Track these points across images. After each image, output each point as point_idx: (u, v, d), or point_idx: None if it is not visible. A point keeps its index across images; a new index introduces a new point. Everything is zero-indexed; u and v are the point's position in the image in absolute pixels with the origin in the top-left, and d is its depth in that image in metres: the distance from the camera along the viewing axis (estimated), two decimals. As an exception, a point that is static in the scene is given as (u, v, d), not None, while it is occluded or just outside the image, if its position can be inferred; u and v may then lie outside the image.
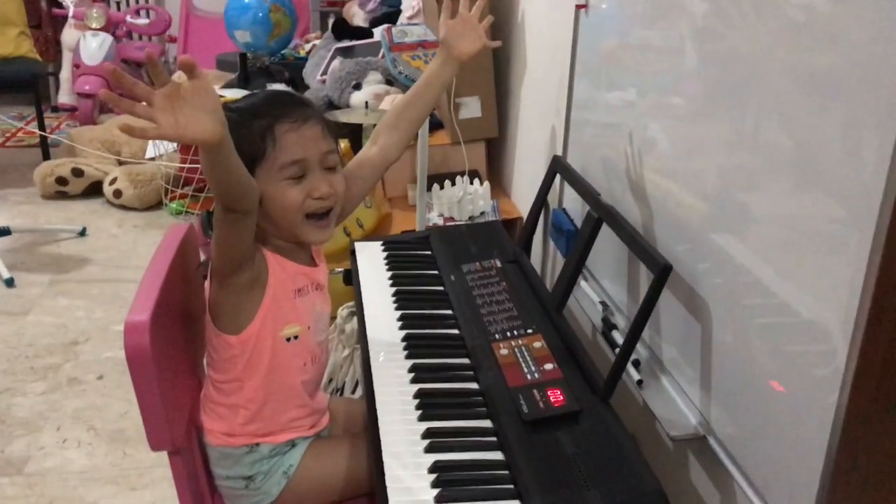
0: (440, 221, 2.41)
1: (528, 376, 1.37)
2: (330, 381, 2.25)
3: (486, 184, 2.41)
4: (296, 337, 1.37)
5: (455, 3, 1.52)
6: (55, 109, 5.48)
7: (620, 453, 1.19)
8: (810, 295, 1.00)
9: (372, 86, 2.98)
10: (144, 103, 0.97)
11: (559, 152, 1.95)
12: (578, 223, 1.81)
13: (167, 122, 0.97)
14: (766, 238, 1.10)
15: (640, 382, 1.39)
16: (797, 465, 1.03)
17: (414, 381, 1.40)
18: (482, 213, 2.40)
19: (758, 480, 1.12)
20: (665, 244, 1.39)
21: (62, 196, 4.09)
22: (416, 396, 1.35)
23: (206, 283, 1.34)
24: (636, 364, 1.43)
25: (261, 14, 3.79)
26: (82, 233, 3.70)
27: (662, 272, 1.24)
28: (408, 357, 1.47)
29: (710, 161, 1.25)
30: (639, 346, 1.48)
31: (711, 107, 1.25)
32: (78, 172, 4.04)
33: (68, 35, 5.22)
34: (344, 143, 2.82)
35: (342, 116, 2.60)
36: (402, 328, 1.57)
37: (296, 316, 1.36)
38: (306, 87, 3.47)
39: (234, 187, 1.13)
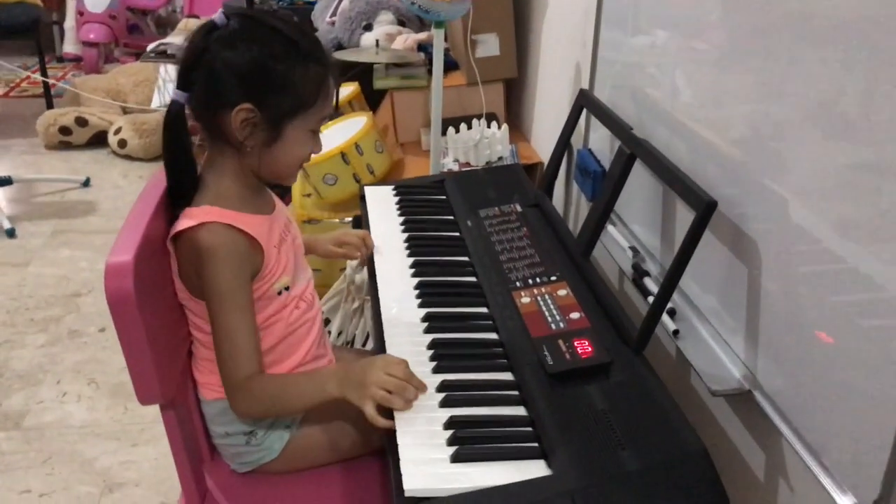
0: (455, 167, 2.27)
1: (553, 326, 1.25)
2: (340, 333, 2.14)
3: (505, 127, 2.27)
4: (287, 288, 1.27)
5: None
6: (60, 60, 5.35)
7: (657, 409, 1.07)
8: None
9: (383, 26, 2.83)
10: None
11: (585, 87, 1.81)
12: (606, 164, 1.68)
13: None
14: (822, 177, 0.97)
15: (675, 332, 1.26)
16: (863, 424, 0.90)
17: (428, 330, 1.28)
18: (500, 159, 2.26)
19: (813, 440, 1.00)
20: (706, 183, 1.25)
21: (66, 146, 3.98)
22: (430, 347, 1.23)
23: (171, 253, 1.22)
24: (671, 313, 1.31)
25: (268, -45, 3.61)
26: (86, 183, 3.59)
27: (706, 210, 1.11)
28: (421, 306, 1.35)
29: (760, 92, 1.11)
30: (674, 294, 1.35)
31: (759, 36, 1.10)
32: (82, 122, 3.92)
33: (72, -19, 5.07)
34: (354, 86, 2.68)
35: (352, 56, 2.46)
36: (414, 275, 1.45)
37: (281, 268, 1.26)
38: (315, 30, 3.32)
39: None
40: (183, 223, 1.17)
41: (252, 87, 1.15)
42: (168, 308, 1.23)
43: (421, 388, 1.11)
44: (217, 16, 1.17)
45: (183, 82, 1.18)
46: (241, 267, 1.18)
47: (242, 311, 1.18)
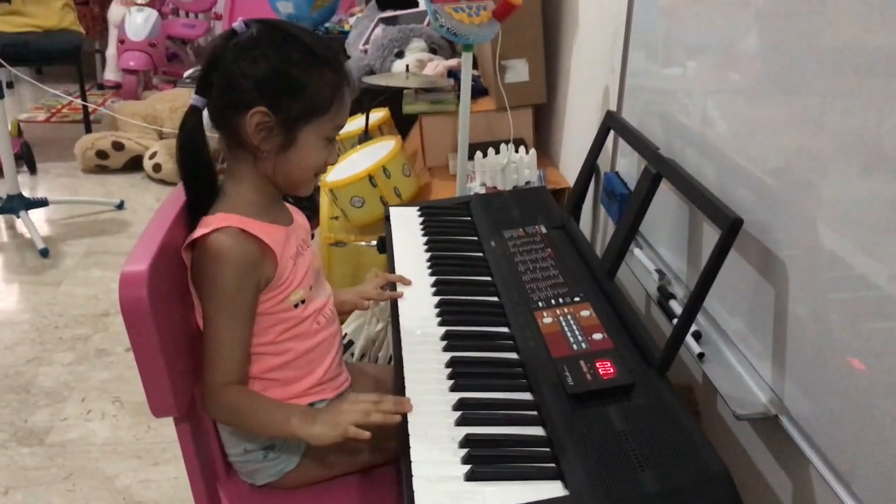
0: (482, 191, 2.26)
1: (575, 346, 1.22)
2: (363, 356, 2.12)
3: (533, 151, 2.25)
4: (303, 301, 1.26)
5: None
6: (101, 87, 5.47)
7: (679, 432, 1.03)
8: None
9: (415, 53, 2.85)
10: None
11: (613, 108, 1.79)
12: (633, 187, 1.66)
13: None
14: (857, 207, 0.94)
15: (700, 356, 1.23)
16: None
17: (447, 348, 1.26)
18: (527, 183, 2.25)
19: (843, 467, 0.96)
20: (734, 205, 1.21)
21: (102, 170, 4.05)
22: (448, 365, 1.21)
23: (187, 262, 1.21)
24: (697, 336, 1.28)
25: (304, -16, 3.66)
26: (120, 206, 3.64)
27: (732, 227, 1.08)
28: (441, 324, 1.34)
29: (788, 115, 1.08)
30: (700, 317, 1.32)
31: (795, 67, 1.08)
32: (118, 146, 3.99)
33: (115, 11, 5.19)
34: (384, 111, 2.69)
35: (382, 81, 2.47)
36: (435, 294, 1.44)
37: (297, 280, 1.25)
38: (348, 58, 3.35)
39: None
40: (198, 231, 1.17)
41: (267, 91, 1.15)
42: (185, 320, 1.23)
43: (398, 404, 1.10)
44: (237, 24, 1.18)
45: (201, 87, 1.19)
46: (248, 275, 1.17)
47: (238, 318, 1.17)
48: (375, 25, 3.25)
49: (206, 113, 1.20)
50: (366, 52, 3.18)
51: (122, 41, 4.94)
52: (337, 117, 1.22)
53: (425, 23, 3.06)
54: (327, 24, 4.04)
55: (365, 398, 1.12)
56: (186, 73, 3.54)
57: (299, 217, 1.34)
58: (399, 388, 1.17)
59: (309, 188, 1.28)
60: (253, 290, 1.19)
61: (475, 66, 2.72)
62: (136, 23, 4.88)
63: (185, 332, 1.22)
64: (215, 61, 1.17)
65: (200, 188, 1.22)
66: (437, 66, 2.67)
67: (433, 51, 2.96)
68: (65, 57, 4.33)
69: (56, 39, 4.28)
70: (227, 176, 1.24)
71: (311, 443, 1.13)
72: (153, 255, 1.08)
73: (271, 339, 1.24)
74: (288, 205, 1.33)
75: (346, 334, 2.09)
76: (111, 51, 5.27)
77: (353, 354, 2.12)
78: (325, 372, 1.31)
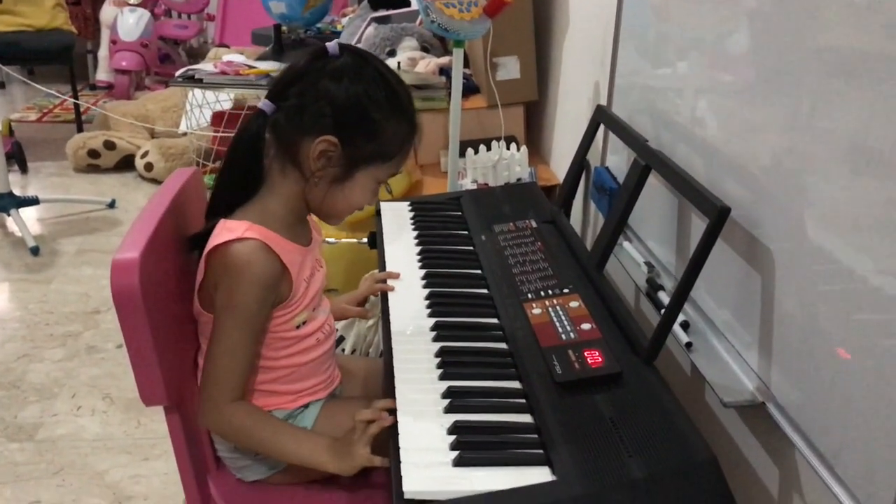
0: (473, 188, 2.27)
1: (563, 336, 1.23)
2: (353, 351, 2.13)
3: (524, 148, 2.26)
4: (304, 322, 1.25)
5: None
6: (93, 88, 5.46)
7: (667, 419, 1.04)
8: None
9: (407, 52, 2.85)
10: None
11: (603, 103, 1.80)
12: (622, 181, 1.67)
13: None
14: (838, 200, 0.95)
15: (689, 345, 1.24)
16: (879, 435, 0.87)
17: (436, 339, 1.27)
18: (518, 180, 2.26)
19: (827, 450, 0.97)
20: (723, 198, 1.22)
21: (94, 169, 4.05)
22: (437, 354, 1.22)
23: (200, 265, 1.20)
24: (685, 326, 1.28)
25: (296, -16, 3.67)
26: (111, 205, 3.64)
27: (720, 216, 1.09)
28: (431, 315, 1.34)
29: (778, 113, 1.09)
30: (688, 308, 1.33)
31: (778, 58, 1.09)
32: (110, 145, 3.99)
33: (107, 12, 5.19)
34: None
35: (373, 78, 2.47)
36: (426, 286, 1.44)
37: (307, 301, 1.24)
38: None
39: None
40: (223, 235, 1.13)
41: (343, 124, 1.13)
42: (178, 309, 1.23)
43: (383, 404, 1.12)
44: (331, 45, 1.16)
45: (276, 95, 1.16)
46: (267, 291, 1.15)
47: (253, 334, 1.16)
48: (367, 25, 3.26)
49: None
50: (358, 51, 3.19)
51: (114, 41, 4.93)
52: (397, 166, 1.22)
53: (417, 22, 3.07)
54: (319, 25, 4.05)
55: (357, 419, 1.11)
56: (179, 73, 3.53)
57: (316, 232, 1.33)
58: (389, 377, 1.18)
59: (340, 221, 1.27)
60: (270, 308, 1.17)
61: (466, 63, 2.72)
62: (129, 23, 4.88)
63: (176, 320, 1.22)
64: (300, 76, 1.15)
65: (238, 189, 1.20)
66: (428, 64, 2.67)
67: (425, 50, 2.96)
68: (56, 56, 4.33)
69: (47, 39, 4.28)
70: (264, 185, 1.21)
71: (341, 475, 1.14)
72: (145, 244, 1.08)
73: (269, 356, 1.23)
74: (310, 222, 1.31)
75: (336, 330, 2.09)
76: (103, 51, 5.26)
77: (343, 350, 2.13)
78: (318, 381, 1.32)
